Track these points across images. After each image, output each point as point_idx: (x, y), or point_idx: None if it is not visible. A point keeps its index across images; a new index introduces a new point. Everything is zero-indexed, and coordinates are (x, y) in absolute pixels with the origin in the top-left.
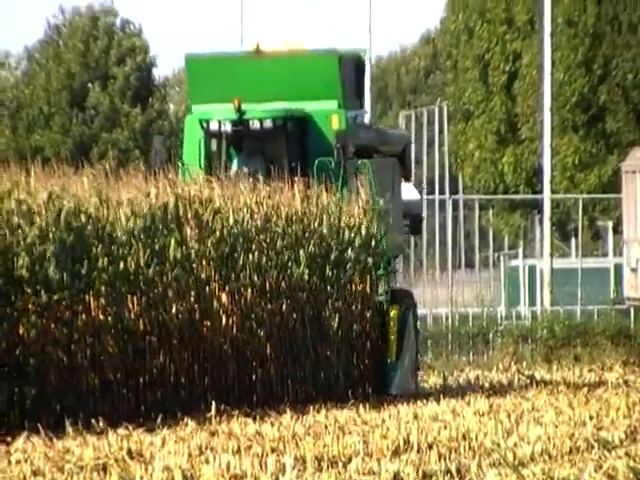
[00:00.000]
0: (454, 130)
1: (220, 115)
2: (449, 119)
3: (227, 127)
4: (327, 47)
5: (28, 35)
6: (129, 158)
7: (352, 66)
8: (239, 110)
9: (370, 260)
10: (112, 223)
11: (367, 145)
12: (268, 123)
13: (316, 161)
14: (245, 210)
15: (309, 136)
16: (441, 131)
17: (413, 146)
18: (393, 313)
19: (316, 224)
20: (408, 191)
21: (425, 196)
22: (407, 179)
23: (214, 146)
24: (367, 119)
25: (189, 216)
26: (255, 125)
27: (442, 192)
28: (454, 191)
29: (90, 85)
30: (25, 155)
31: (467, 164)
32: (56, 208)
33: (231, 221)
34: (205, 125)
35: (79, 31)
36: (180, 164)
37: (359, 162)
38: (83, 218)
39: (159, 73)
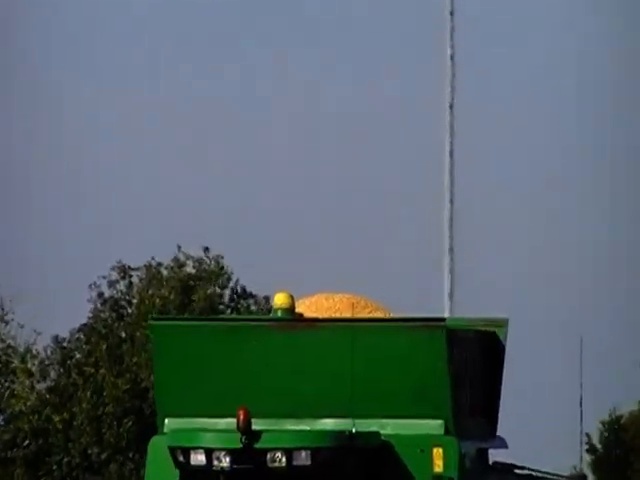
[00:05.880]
0: None
1: (211, 440)
2: None
3: (225, 462)
4: (431, 314)
5: (61, 318)
6: None
7: (476, 352)
8: (247, 431)
9: None
10: None
11: None
12: (303, 458)
13: None
14: None
15: None
16: None
17: None
18: None
19: None
20: None
21: None
22: None
23: None
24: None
25: None
26: (278, 460)
27: None
28: None
29: None
30: None
31: None
32: None
33: None
34: (182, 457)
35: (155, 309)
36: None
37: None
38: None
39: None
